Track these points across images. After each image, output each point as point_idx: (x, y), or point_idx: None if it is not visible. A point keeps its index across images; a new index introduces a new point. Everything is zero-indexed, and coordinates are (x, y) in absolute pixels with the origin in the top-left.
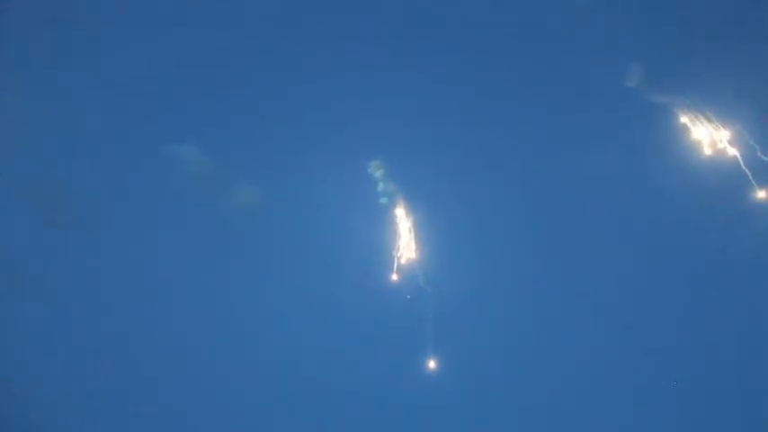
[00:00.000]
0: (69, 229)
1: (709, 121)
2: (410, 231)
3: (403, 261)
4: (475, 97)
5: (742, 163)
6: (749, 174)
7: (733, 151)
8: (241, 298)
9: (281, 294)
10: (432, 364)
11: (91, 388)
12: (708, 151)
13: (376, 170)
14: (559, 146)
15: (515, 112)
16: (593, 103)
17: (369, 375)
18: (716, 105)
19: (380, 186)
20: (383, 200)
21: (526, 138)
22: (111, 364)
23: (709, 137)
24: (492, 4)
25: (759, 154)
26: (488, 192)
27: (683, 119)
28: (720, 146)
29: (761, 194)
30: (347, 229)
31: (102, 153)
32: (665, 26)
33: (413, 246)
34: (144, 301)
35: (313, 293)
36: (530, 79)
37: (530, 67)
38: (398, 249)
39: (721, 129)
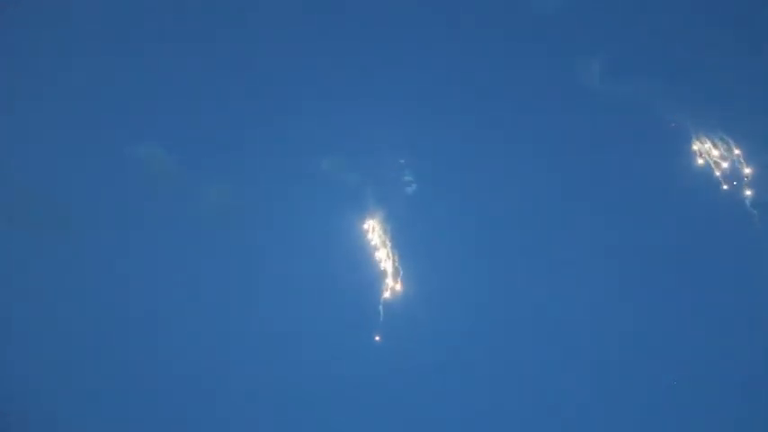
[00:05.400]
0: (36, 231)
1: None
2: (388, 243)
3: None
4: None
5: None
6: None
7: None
8: (216, 298)
9: (260, 296)
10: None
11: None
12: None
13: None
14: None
15: (511, 128)
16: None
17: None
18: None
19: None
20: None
21: (519, 148)
22: (79, 363)
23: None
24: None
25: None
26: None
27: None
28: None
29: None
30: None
31: (71, 155)
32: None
33: (393, 255)
34: (113, 300)
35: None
36: (525, 87)
37: (525, 75)
38: (381, 259)
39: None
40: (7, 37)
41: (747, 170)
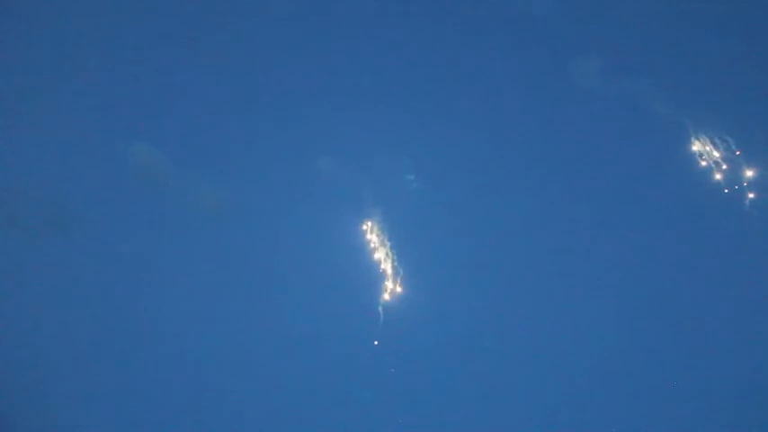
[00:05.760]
0: (33, 231)
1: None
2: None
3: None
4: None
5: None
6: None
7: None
8: (214, 299)
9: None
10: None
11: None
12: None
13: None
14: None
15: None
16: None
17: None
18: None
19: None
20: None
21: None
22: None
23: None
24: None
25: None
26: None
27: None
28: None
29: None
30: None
31: (69, 155)
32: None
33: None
34: (112, 301)
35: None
36: (526, 88)
37: (526, 75)
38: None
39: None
40: (3, 37)
41: (747, 170)
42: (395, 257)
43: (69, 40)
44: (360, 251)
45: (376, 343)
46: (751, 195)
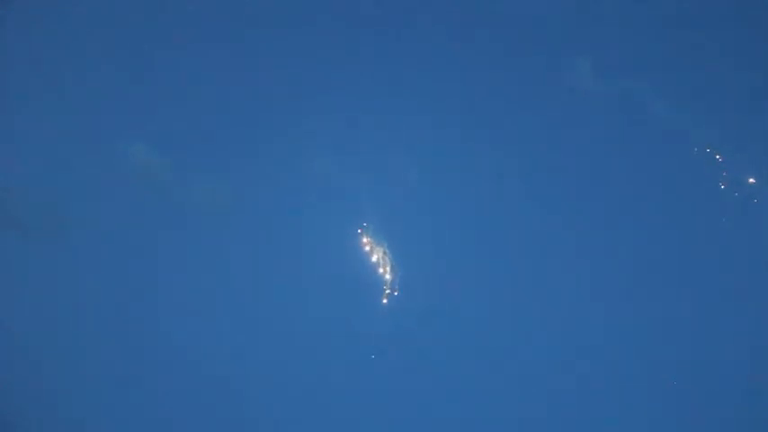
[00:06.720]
0: (32, 231)
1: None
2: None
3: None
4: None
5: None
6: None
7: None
8: (212, 302)
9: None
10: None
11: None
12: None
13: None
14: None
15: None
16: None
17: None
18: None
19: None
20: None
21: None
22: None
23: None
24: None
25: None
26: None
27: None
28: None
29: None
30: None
31: (66, 154)
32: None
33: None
34: (106, 301)
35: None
36: (526, 88)
37: (526, 76)
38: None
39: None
40: (2, 37)
41: (747, 171)
42: (393, 260)
43: (68, 39)
44: (358, 252)
45: (373, 357)
46: (751, 197)
